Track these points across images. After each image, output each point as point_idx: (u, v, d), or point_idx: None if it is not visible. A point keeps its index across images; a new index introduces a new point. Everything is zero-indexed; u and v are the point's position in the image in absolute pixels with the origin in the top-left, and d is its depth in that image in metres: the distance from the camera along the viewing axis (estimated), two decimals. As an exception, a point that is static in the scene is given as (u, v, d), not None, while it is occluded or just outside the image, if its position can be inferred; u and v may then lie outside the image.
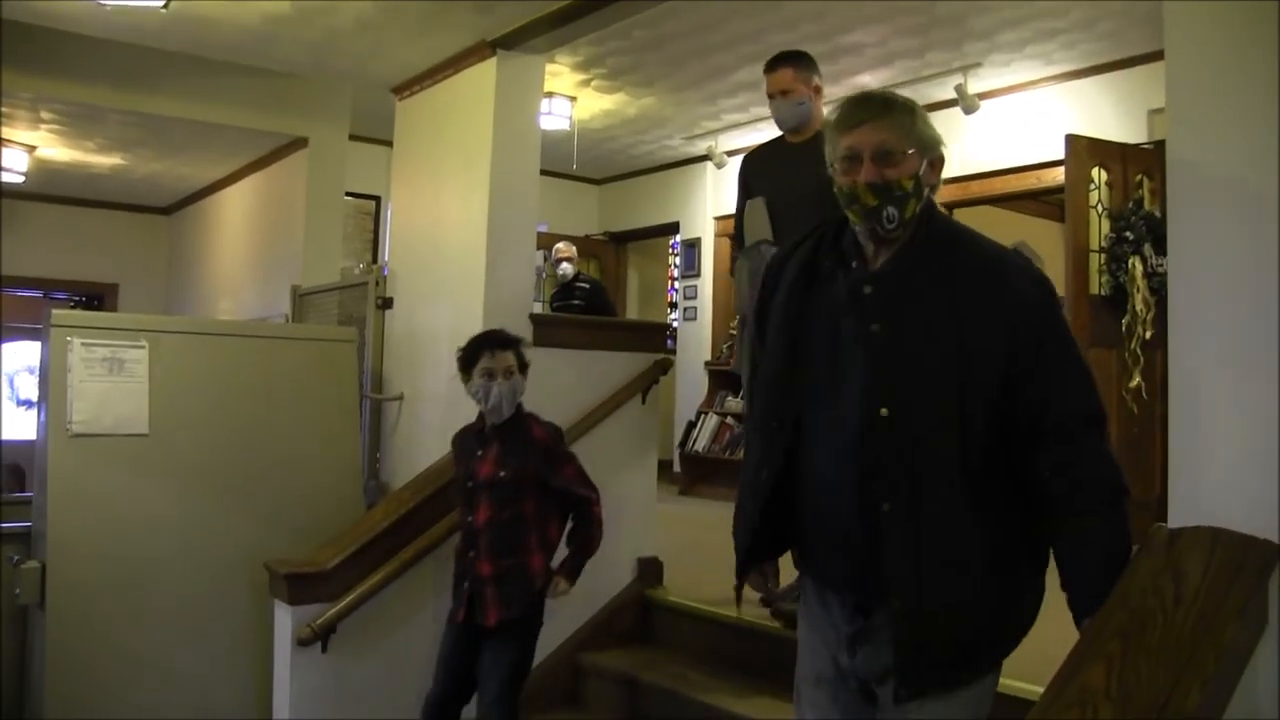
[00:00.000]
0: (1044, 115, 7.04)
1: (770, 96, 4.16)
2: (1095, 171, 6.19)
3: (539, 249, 7.37)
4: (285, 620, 4.04)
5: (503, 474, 3.59)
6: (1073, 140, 6.14)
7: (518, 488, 3.59)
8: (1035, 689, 2.80)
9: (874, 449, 2.07)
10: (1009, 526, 2.10)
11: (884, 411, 2.06)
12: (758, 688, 3.86)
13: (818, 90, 4.16)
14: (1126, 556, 2.10)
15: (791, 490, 2.22)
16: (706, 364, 9.11)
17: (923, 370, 2.07)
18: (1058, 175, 6.56)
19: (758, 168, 4.31)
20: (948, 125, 7.56)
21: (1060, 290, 6.38)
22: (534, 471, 3.60)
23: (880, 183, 2.10)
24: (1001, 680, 3.07)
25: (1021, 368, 2.05)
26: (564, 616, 4.46)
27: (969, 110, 7.17)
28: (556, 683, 4.46)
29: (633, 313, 10.96)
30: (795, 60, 4.13)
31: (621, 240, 10.80)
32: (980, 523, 2.07)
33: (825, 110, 4.11)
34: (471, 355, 3.69)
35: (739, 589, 2.50)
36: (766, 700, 3.74)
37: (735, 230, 4.37)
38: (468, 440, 3.80)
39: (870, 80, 7.26)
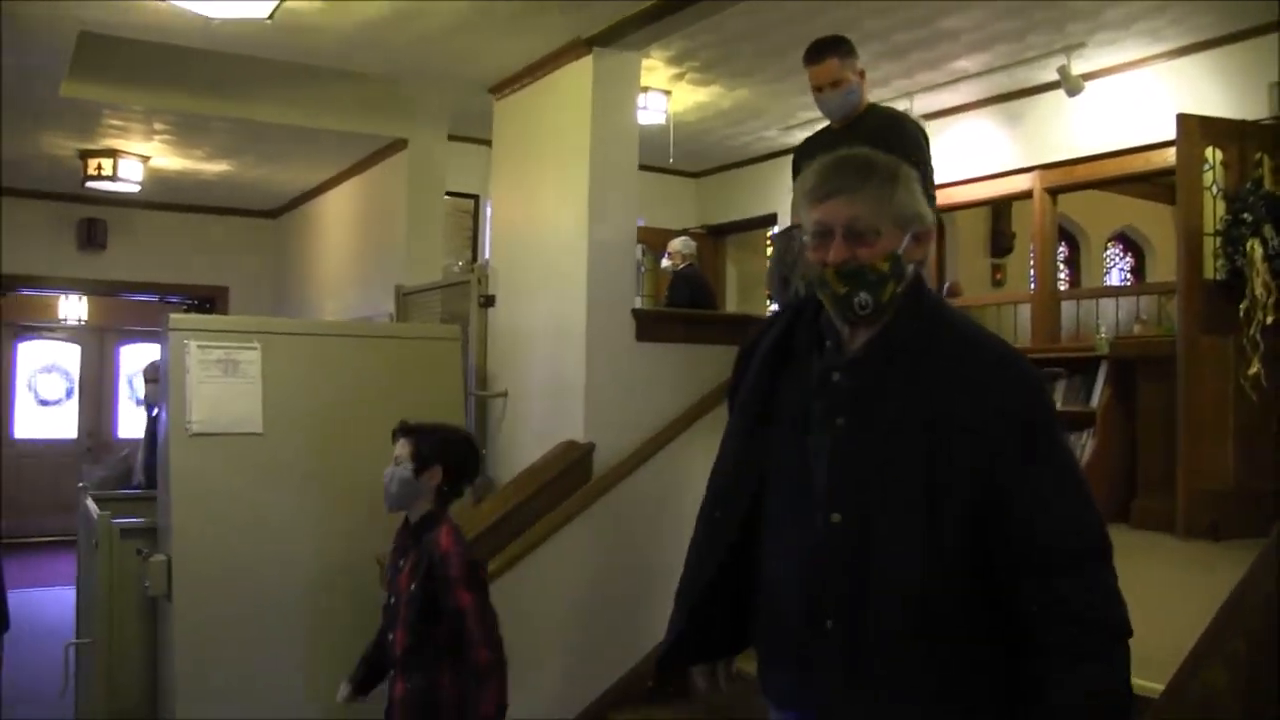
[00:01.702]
0: (1152, 94, 6.84)
1: (817, 89, 4.04)
2: (1209, 151, 5.99)
3: (638, 244, 7.43)
4: (397, 614, 4.09)
5: (413, 587, 3.36)
6: (1184, 119, 5.96)
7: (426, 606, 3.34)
8: (1154, 686, 2.74)
9: (823, 556, 1.86)
10: (975, 658, 1.83)
11: (835, 517, 1.85)
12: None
13: (861, 75, 4.07)
14: (1125, 710, 1.79)
15: (746, 584, 2.03)
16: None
17: (885, 476, 1.83)
18: (1168, 156, 6.38)
19: (806, 154, 4.21)
20: (1051, 109, 7.42)
21: (1171, 275, 6.22)
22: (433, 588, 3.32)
23: (852, 265, 1.87)
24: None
25: (1006, 483, 1.79)
26: (591, 671, 4.45)
27: (1073, 92, 7.00)
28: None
29: (732, 306, 10.92)
30: (838, 49, 4.02)
31: (719, 233, 10.77)
32: (934, 652, 1.81)
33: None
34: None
35: (655, 682, 2.31)
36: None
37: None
38: (397, 539, 3.60)
39: (968, 65, 7.14)
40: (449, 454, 3.51)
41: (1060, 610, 1.76)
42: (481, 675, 3.25)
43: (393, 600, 3.48)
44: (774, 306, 9.64)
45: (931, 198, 3.83)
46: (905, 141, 3.80)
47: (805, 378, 1.98)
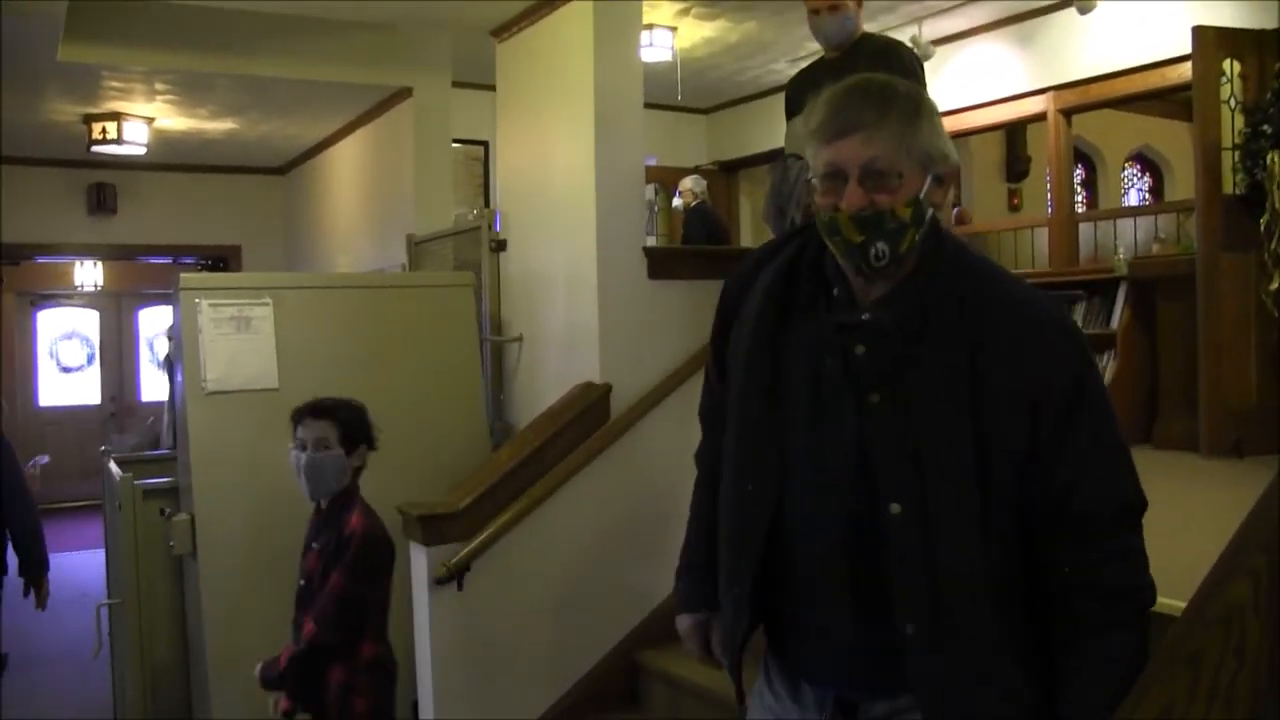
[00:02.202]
0: (1166, 8, 6.72)
1: (814, 12, 3.98)
2: (1226, 64, 5.87)
3: (650, 182, 7.37)
4: (421, 561, 4.12)
5: (324, 570, 3.30)
6: (1200, 31, 5.84)
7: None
8: (1176, 604, 2.73)
9: (877, 551, 1.70)
10: (1031, 638, 1.74)
11: (896, 509, 1.68)
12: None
13: (859, 4, 4.02)
14: (1136, 677, 1.67)
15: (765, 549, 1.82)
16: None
17: (937, 458, 1.66)
18: (1183, 71, 6.28)
19: (800, 87, 4.19)
20: (1063, 28, 7.31)
21: (1190, 194, 6.14)
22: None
23: (869, 212, 1.65)
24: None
25: (1046, 445, 1.66)
26: (620, 611, 4.46)
27: (1084, 10, 6.88)
28: (614, 682, 4.43)
29: (746, 241, 10.87)
30: None
31: (731, 169, 10.68)
32: (1010, 635, 1.71)
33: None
34: (292, 421, 3.44)
35: (739, 690, 2.05)
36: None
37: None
38: (312, 520, 3.51)
39: (977, -14, 7.02)
40: (366, 430, 3.43)
41: (1092, 578, 1.70)
42: (310, 644, 3.18)
43: (303, 584, 3.42)
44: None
45: None
46: (903, 69, 3.74)
47: (811, 336, 1.77)
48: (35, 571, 5.30)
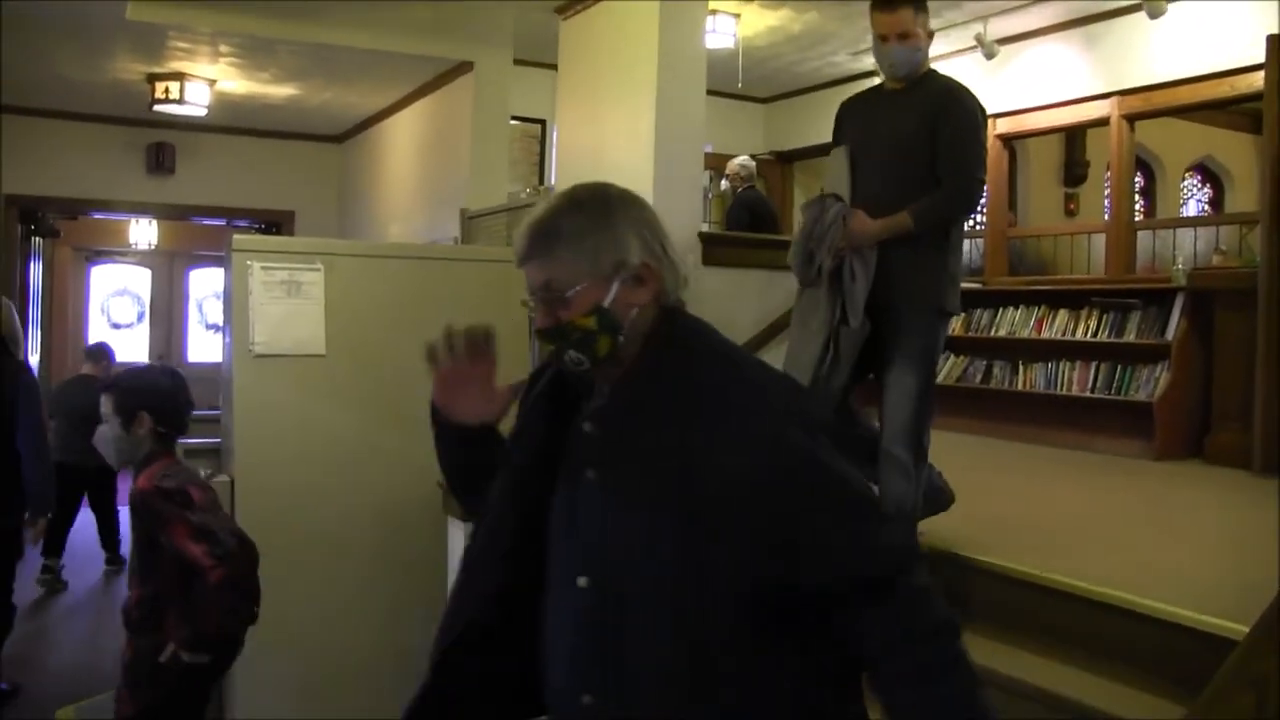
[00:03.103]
0: (1239, 15, 6.58)
1: (882, 39, 3.67)
2: (1301, 74, 5.78)
3: (706, 169, 7.33)
4: (458, 536, 4.13)
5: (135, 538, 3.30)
6: (1275, 41, 5.73)
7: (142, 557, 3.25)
8: (1235, 627, 2.68)
9: (577, 624, 1.71)
10: (761, 700, 1.64)
11: (583, 582, 1.69)
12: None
13: (930, 36, 3.72)
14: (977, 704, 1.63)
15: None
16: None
17: (636, 534, 1.65)
18: (1254, 81, 6.16)
19: (852, 114, 3.95)
20: (1130, 32, 7.19)
21: (1250, 206, 6.03)
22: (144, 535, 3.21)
23: (552, 327, 1.72)
24: (1197, 616, 3.00)
25: (787, 530, 1.62)
26: None
27: (1155, 15, 6.77)
28: None
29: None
30: (915, 0, 3.66)
31: (788, 159, 10.63)
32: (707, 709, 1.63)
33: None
34: None
35: None
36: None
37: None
38: None
39: (1049, -14, 6.92)
40: (149, 397, 3.39)
41: (886, 635, 1.63)
42: (214, 589, 3.08)
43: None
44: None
45: (980, 180, 3.65)
46: (964, 118, 3.60)
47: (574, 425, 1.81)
48: (39, 509, 5.16)
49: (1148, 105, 7.37)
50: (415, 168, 8.73)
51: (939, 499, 3.87)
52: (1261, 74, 5.83)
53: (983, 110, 3.70)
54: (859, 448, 3.78)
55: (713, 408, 1.65)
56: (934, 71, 3.82)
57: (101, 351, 7.78)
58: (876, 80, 8.44)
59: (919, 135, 3.61)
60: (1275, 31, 5.85)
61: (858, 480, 1.71)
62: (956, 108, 3.63)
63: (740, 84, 8.60)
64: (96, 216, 11.97)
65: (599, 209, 1.72)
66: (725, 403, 1.66)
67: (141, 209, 11.42)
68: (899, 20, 3.63)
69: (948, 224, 3.67)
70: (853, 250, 3.61)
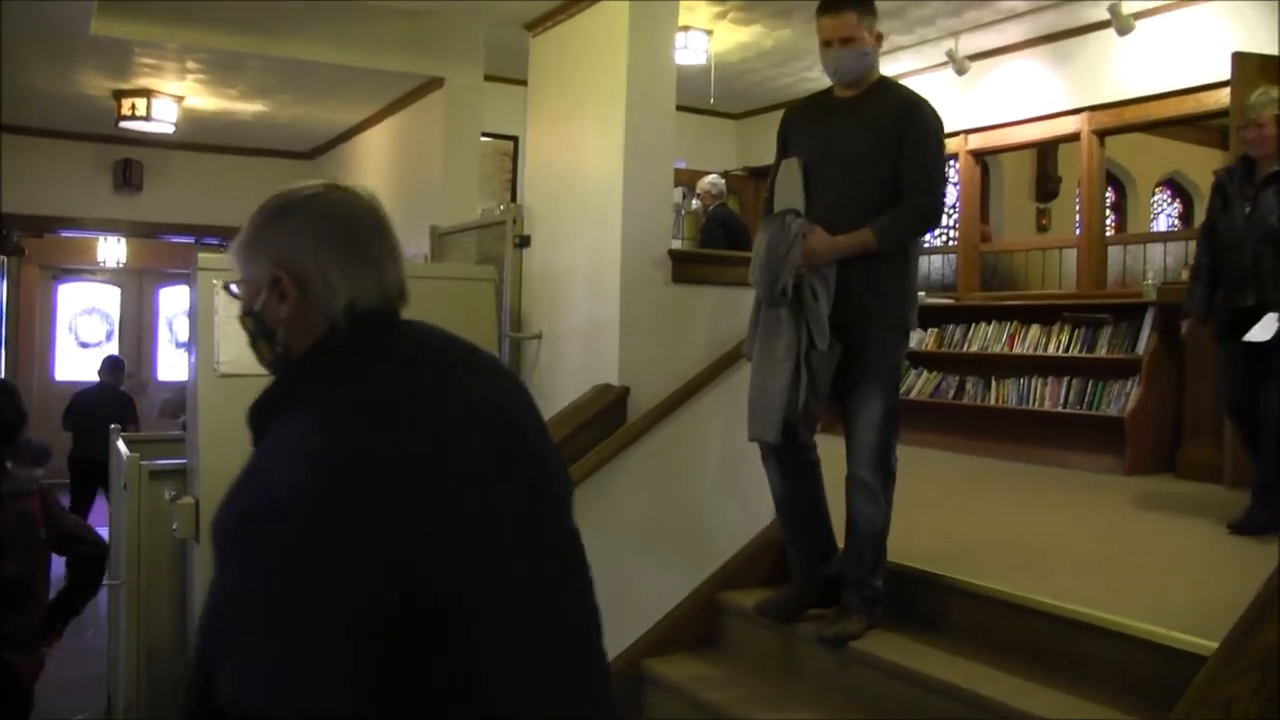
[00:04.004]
0: (1206, 33, 6.64)
1: (826, 44, 3.61)
2: (1266, 91, 5.81)
3: (678, 185, 7.31)
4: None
5: None
6: (1241, 59, 5.78)
7: None
8: (1207, 644, 2.66)
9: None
10: None
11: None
12: (903, 630, 3.76)
13: (879, 39, 3.66)
14: None
15: None
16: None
17: None
18: (1221, 98, 6.21)
19: (799, 124, 3.84)
20: (1100, 49, 7.23)
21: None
22: None
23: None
24: (1168, 633, 2.99)
25: None
26: (701, 555, 4.43)
27: (1123, 31, 6.83)
28: (694, 623, 4.40)
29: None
30: (859, 3, 3.60)
31: (761, 175, 10.62)
32: None
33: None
34: None
35: None
36: (905, 641, 3.63)
37: (767, 196, 3.88)
38: None
39: (1017, 3, 6.95)
40: None
41: None
42: None
43: None
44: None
45: (941, 194, 3.65)
46: (925, 131, 3.55)
47: None
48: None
49: (1118, 121, 7.41)
50: (386, 184, 8.67)
51: (877, 603, 3.77)
52: (1228, 90, 5.86)
53: (942, 124, 3.66)
54: (814, 475, 3.75)
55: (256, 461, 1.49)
56: (889, 80, 3.76)
57: (118, 364, 9.42)
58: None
59: (879, 148, 3.54)
60: (1239, 49, 5.90)
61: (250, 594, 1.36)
62: (918, 121, 3.57)
63: (712, 100, 8.61)
64: (63, 234, 11.86)
65: (266, 216, 1.61)
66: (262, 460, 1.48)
67: (109, 227, 11.32)
68: (842, 24, 3.58)
69: (909, 240, 3.62)
70: (811, 269, 3.53)
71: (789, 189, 3.67)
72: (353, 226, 1.60)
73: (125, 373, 9.35)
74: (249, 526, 1.39)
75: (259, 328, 1.59)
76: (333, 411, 1.46)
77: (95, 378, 9.38)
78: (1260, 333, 4.37)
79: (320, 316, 1.54)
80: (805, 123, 3.82)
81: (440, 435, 1.45)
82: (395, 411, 1.45)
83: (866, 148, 3.56)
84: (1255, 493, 4.51)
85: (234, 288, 1.63)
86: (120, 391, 9.27)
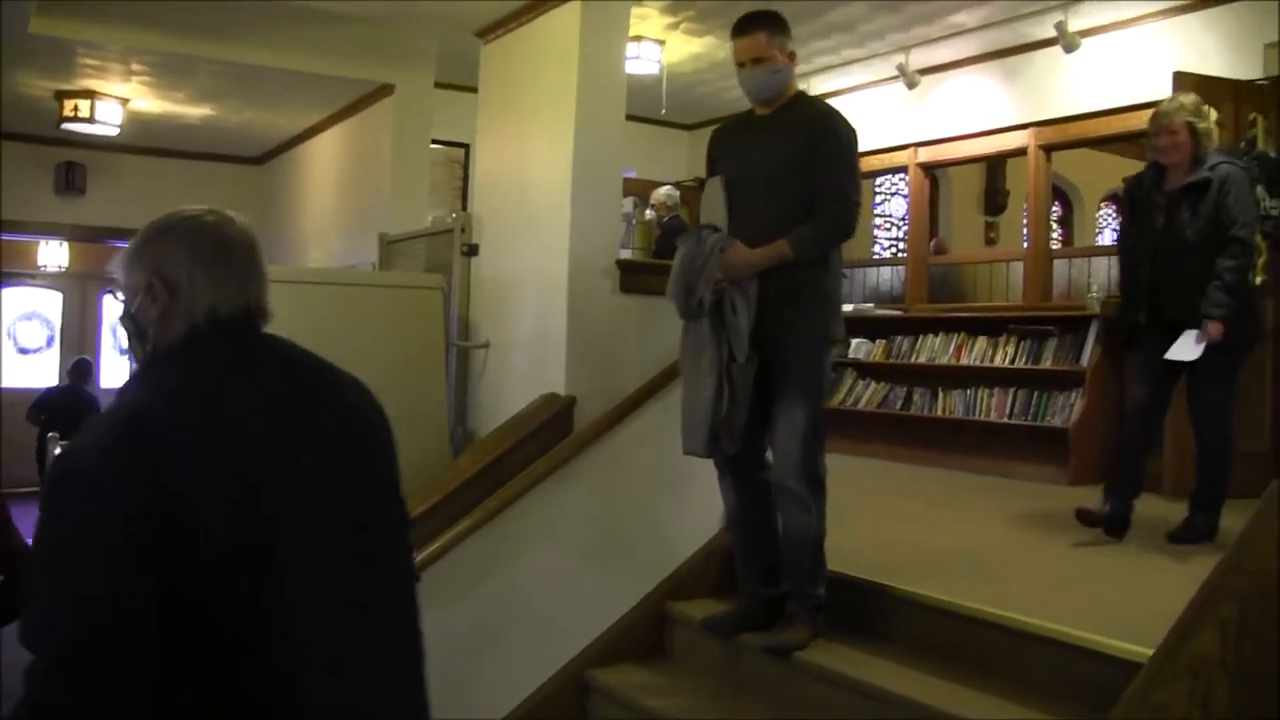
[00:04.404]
0: (1149, 52, 6.74)
1: (740, 65, 3.72)
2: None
3: (629, 195, 7.31)
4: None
5: None
6: (1181, 78, 5.87)
7: None
8: (1144, 650, 2.70)
9: None
10: None
11: None
12: (845, 639, 3.77)
13: (791, 56, 3.75)
14: None
15: None
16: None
17: None
18: (1211, 128, 6.30)
19: (723, 144, 3.94)
20: (1047, 65, 7.32)
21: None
22: None
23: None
24: (1106, 640, 3.02)
25: None
26: (648, 565, 4.42)
27: (1070, 49, 6.91)
28: (641, 632, 4.39)
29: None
30: (769, 23, 3.70)
31: (710, 187, 10.65)
32: None
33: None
34: None
35: None
36: (851, 651, 3.64)
37: (696, 215, 3.98)
38: None
39: (966, 19, 7.03)
40: None
41: None
42: None
43: None
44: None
45: (856, 203, 3.64)
46: (837, 142, 3.60)
47: None
48: None
49: (1064, 136, 7.49)
50: (335, 191, 8.62)
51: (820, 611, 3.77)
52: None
53: (856, 135, 3.70)
54: (767, 495, 3.76)
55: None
56: (805, 95, 3.86)
57: (85, 366, 10.62)
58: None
59: (793, 162, 3.60)
60: (1181, 68, 6.00)
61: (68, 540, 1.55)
62: (829, 133, 3.62)
63: (664, 110, 8.62)
64: (4, 238, 11.66)
65: (149, 232, 1.84)
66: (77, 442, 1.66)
67: (51, 230, 11.12)
68: (753, 44, 3.67)
69: (826, 250, 3.64)
70: (732, 282, 3.57)
71: (713, 207, 3.74)
72: (222, 244, 1.81)
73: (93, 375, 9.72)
74: (65, 478, 1.58)
75: (134, 328, 1.79)
76: (162, 387, 1.69)
77: (36, 384, 9.33)
78: (1183, 352, 4.36)
79: (185, 319, 1.75)
80: (728, 142, 3.92)
81: (255, 422, 1.65)
82: (219, 390, 1.68)
83: (782, 162, 3.62)
84: (1193, 502, 4.58)
85: (118, 294, 1.83)
86: (86, 394, 9.29)
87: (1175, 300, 4.45)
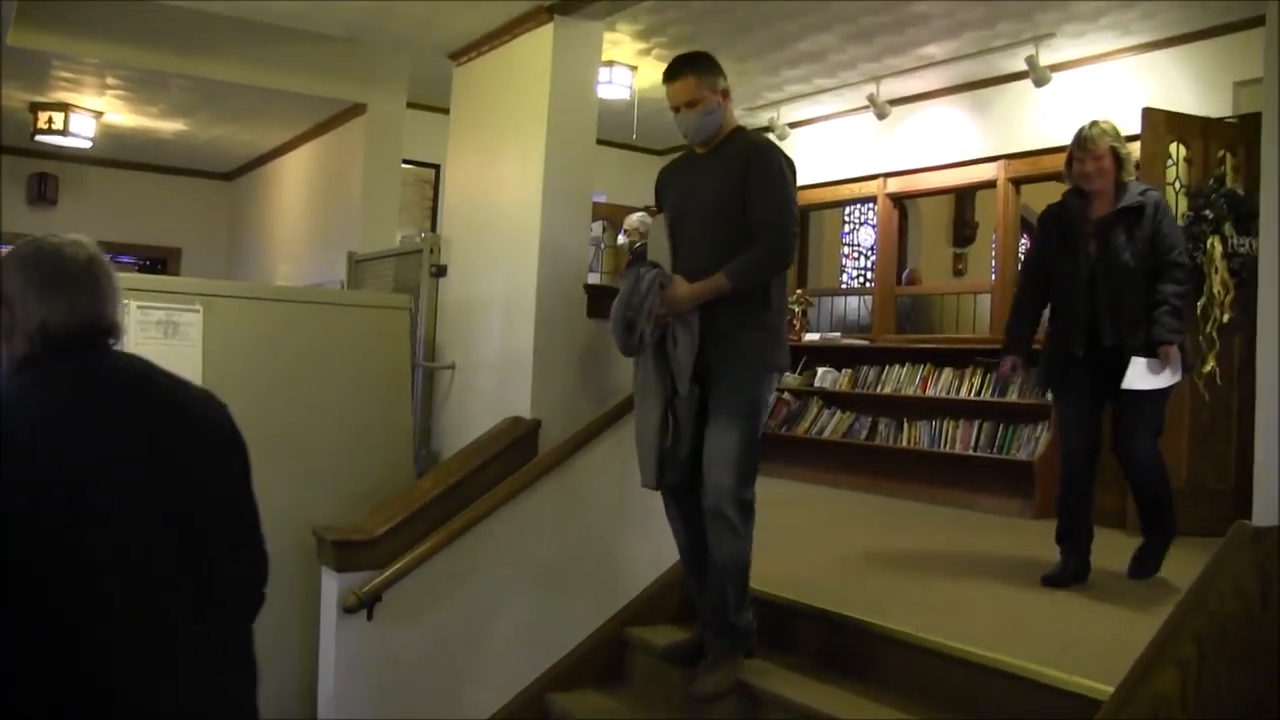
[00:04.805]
0: (1119, 88, 6.81)
1: (674, 110, 3.78)
2: (1173, 147, 5.98)
3: (599, 219, 7.31)
4: (331, 587, 4.01)
5: None
6: (1150, 114, 5.94)
7: None
8: (1104, 688, 2.70)
9: None
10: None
11: None
12: (804, 669, 3.77)
13: (725, 94, 3.77)
14: None
15: None
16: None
17: None
18: (1132, 150, 6.35)
19: (667, 182, 3.98)
20: (1017, 99, 7.39)
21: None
22: None
23: None
24: (1068, 677, 3.02)
25: None
26: (609, 591, 4.42)
27: (1040, 83, 6.97)
28: (601, 657, 4.38)
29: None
30: (697, 65, 3.75)
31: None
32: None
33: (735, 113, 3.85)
34: None
35: None
36: (810, 682, 3.64)
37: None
38: None
39: (936, 51, 7.08)
40: None
41: None
42: None
43: None
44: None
45: (793, 232, 3.64)
46: (769, 171, 3.61)
47: None
48: None
49: (1033, 169, 7.55)
50: (305, 208, 8.59)
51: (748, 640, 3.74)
52: (1138, 144, 6.01)
53: (791, 164, 3.70)
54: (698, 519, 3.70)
55: None
56: (741, 130, 3.85)
57: None
58: (773, 134, 8.46)
59: (730, 195, 3.62)
60: (1150, 104, 6.07)
61: None
62: (762, 163, 3.63)
63: (635, 135, 8.64)
64: (-28, 248, 11.57)
65: (6, 259, 1.94)
66: None
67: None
68: (683, 88, 3.71)
69: (764, 279, 3.62)
70: (675, 317, 3.59)
71: (657, 244, 3.80)
72: (54, 264, 1.90)
73: None
74: None
75: None
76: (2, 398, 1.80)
77: None
78: (1140, 381, 4.25)
79: (24, 336, 1.86)
80: (671, 179, 3.94)
81: (70, 435, 1.76)
82: (44, 404, 1.79)
83: (720, 196, 3.63)
84: (1144, 532, 4.56)
85: None
86: None
87: (1113, 328, 4.35)
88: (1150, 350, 4.25)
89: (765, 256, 3.59)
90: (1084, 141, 4.48)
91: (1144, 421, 4.38)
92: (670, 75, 3.78)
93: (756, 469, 3.63)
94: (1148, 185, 4.52)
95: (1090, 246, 4.43)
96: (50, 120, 8.20)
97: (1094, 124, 4.52)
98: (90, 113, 8.26)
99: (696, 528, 3.72)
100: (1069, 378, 4.53)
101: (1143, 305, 4.30)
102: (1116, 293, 4.35)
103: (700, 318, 3.58)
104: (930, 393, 7.24)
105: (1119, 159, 4.44)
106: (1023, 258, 7.41)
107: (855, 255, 12.15)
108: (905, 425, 7.35)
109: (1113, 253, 4.37)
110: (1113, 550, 4.74)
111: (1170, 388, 4.38)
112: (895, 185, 8.40)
